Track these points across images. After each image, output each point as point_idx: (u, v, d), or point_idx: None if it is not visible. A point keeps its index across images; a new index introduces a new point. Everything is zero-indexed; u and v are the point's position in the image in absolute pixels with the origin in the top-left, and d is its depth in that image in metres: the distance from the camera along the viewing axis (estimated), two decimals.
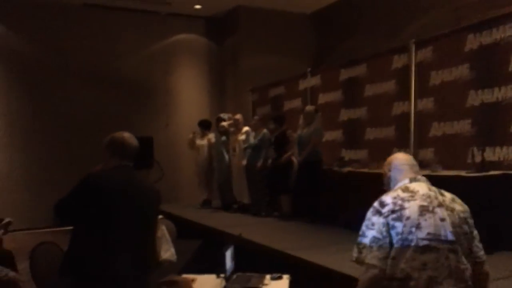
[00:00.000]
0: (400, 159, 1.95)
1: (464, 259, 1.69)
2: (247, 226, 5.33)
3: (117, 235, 2.09)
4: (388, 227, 1.70)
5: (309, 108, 5.86)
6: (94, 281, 2.05)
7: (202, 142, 7.17)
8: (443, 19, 6.18)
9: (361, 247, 1.73)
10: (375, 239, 1.70)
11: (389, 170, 1.94)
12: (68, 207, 2.13)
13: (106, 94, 8.27)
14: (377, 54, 5.86)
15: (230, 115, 7.01)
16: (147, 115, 8.55)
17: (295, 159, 5.78)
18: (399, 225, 1.69)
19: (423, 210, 1.71)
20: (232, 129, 6.67)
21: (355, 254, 1.75)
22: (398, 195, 1.76)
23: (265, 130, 6.26)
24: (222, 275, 2.73)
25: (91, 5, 8.24)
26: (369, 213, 1.77)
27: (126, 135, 2.26)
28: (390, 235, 1.69)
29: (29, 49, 7.88)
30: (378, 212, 1.74)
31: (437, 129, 4.87)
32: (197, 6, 8.73)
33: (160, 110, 8.89)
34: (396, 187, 1.85)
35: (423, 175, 1.94)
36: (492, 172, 3.95)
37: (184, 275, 2.76)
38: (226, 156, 6.81)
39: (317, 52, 8.87)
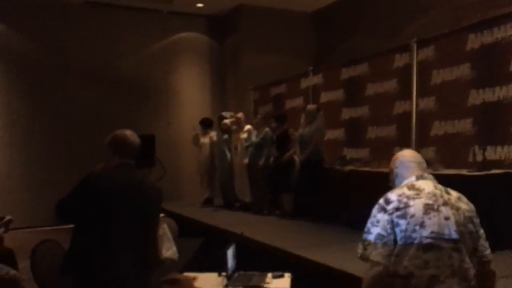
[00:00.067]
0: (408, 156, 1.94)
1: (467, 258, 1.68)
2: (249, 224, 5.33)
3: (117, 234, 2.09)
4: (393, 224, 1.70)
5: (311, 107, 5.86)
6: (95, 280, 2.05)
7: (204, 140, 7.17)
8: (443, 19, 6.17)
9: (366, 244, 1.73)
10: (379, 236, 1.70)
11: (396, 167, 1.92)
12: (68, 207, 2.13)
13: (107, 94, 8.27)
14: (379, 53, 5.85)
15: (232, 113, 7.01)
16: (148, 114, 8.55)
17: (296, 158, 5.78)
18: (403, 223, 1.69)
19: (428, 208, 1.70)
20: (234, 127, 6.67)
21: (360, 250, 1.75)
22: (403, 193, 1.76)
23: (267, 129, 6.26)
24: (223, 274, 2.74)
25: (92, 3, 8.24)
26: (375, 210, 1.77)
27: (128, 133, 2.26)
28: (394, 233, 1.69)
29: (29, 49, 7.89)
30: (383, 209, 1.74)
31: (438, 128, 4.86)
32: (199, 5, 8.73)
33: (162, 109, 8.89)
34: (402, 184, 1.84)
35: None
36: (493, 171, 3.95)
37: (186, 274, 2.76)
38: (228, 155, 6.81)
39: (317, 51, 8.86)
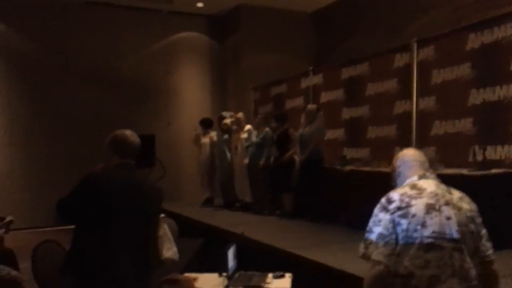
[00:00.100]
0: (411, 155, 1.93)
1: (468, 259, 1.68)
2: (249, 224, 5.33)
3: (118, 234, 2.08)
4: (394, 224, 1.69)
5: (311, 107, 5.86)
6: (95, 280, 2.05)
7: (204, 140, 7.17)
8: (443, 18, 6.17)
9: (367, 243, 1.73)
10: (381, 236, 1.70)
11: (398, 166, 1.92)
12: (68, 207, 2.13)
13: (107, 93, 8.27)
14: (379, 53, 5.85)
15: (232, 113, 7.01)
16: (148, 114, 8.56)
17: (297, 158, 5.78)
18: (404, 222, 1.68)
19: (429, 208, 1.70)
20: (234, 127, 6.67)
21: (361, 249, 1.75)
22: (405, 192, 1.76)
23: (267, 129, 6.26)
24: (224, 274, 2.74)
25: (92, 3, 8.24)
26: (377, 209, 1.77)
27: (129, 133, 2.26)
28: (396, 232, 1.69)
29: (29, 49, 7.89)
30: (385, 209, 1.74)
31: (438, 128, 4.86)
32: (199, 5, 8.73)
33: (162, 109, 8.89)
34: (405, 184, 1.83)
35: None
36: (493, 171, 3.95)
37: (186, 274, 2.77)
38: (228, 155, 6.81)
39: (318, 51, 8.86)
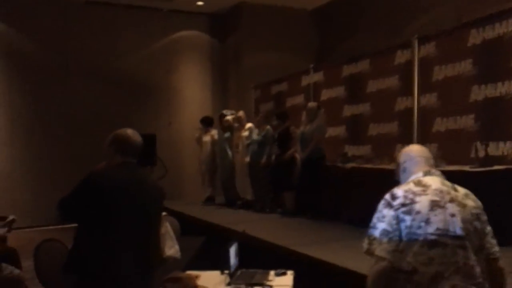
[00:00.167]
0: (416, 150, 1.92)
1: (473, 256, 1.67)
2: (251, 222, 5.33)
3: (119, 233, 2.08)
4: (398, 220, 1.69)
5: (312, 104, 5.85)
6: (97, 279, 2.05)
7: (205, 139, 7.17)
8: (444, 17, 6.16)
9: (371, 239, 1.72)
10: (385, 232, 1.69)
11: (404, 161, 1.90)
12: (70, 206, 2.13)
13: (108, 92, 8.28)
14: (380, 50, 5.84)
15: (233, 111, 7.01)
16: (149, 114, 8.56)
17: (298, 156, 5.78)
18: (408, 219, 1.68)
19: (434, 205, 1.69)
20: (236, 124, 6.66)
21: (365, 245, 1.74)
22: (410, 189, 1.75)
23: (268, 127, 6.26)
24: (226, 272, 2.74)
25: (92, 3, 8.23)
26: (381, 205, 1.76)
27: (130, 131, 2.26)
28: (400, 228, 1.68)
29: (30, 48, 7.90)
30: (389, 205, 1.73)
31: (440, 125, 4.85)
32: (200, 3, 8.72)
33: (163, 108, 8.89)
34: (409, 180, 1.82)
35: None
36: (495, 167, 3.94)
37: (188, 272, 2.77)
38: (229, 153, 6.81)
39: (318, 49, 8.85)
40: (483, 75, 4.43)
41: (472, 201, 1.77)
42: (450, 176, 1.88)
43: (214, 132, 7.14)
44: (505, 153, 4.19)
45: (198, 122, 7.40)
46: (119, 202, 2.10)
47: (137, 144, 2.24)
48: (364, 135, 5.94)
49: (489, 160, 4.03)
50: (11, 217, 3.78)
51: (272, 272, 2.81)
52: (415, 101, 5.10)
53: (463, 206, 1.72)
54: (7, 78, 7.79)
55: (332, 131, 6.31)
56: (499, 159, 4.14)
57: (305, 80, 7.18)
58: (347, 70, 6.31)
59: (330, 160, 5.70)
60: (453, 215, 1.69)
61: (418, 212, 1.68)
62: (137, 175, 2.24)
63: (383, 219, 1.72)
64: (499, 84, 4.28)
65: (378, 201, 1.82)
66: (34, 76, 7.86)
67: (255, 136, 6.34)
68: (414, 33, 5.39)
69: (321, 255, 3.68)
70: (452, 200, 1.72)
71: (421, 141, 4.92)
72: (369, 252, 1.72)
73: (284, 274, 2.81)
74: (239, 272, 2.82)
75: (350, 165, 5.40)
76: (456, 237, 1.66)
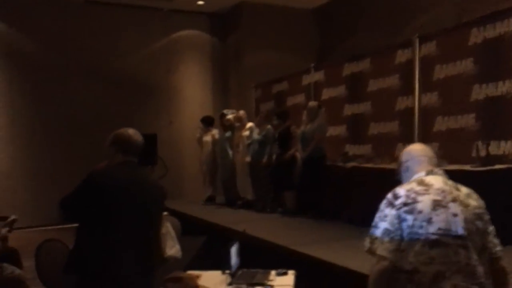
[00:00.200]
0: (419, 149, 1.91)
1: (475, 256, 1.66)
2: (251, 222, 5.33)
3: (120, 233, 2.08)
4: (400, 220, 1.69)
5: (312, 104, 5.84)
6: (98, 279, 2.05)
7: (206, 138, 7.17)
8: (444, 16, 6.15)
9: (373, 238, 1.72)
10: (386, 231, 1.69)
11: (406, 160, 1.89)
12: (71, 206, 2.13)
13: (109, 92, 8.28)
14: (381, 49, 5.83)
15: (233, 111, 7.00)
16: (150, 113, 8.56)
17: (299, 155, 5.77)
18: (409, 218, 1.67)
19: (436, 205, 1.69)
20: (237, 124, 6.66)
21: (367, 244, 1.74)
22: (412, 188, 1.74)
23: (269, 126, 6.25)
24: (227, 271, 2.74)
25: (93, 2, 8.23)
26: (382, 205, 1.76)
27: (131, 131, 2.26)
28: (401, 228, 1.68)
29: (30, 48, 7.90)
30: (391, 204, 1.73)
31: (441, 124, 4.85)
32: (200, 2, 8.71)
33: (163, 107, 8.89)
34: (412, 179, 1.82)
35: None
36: (497, 166, 3.93)
37: (189, 272, 2.77)
38: (230, 153, 6.81)
39: (319, 49, 8.84)
40: (484, 74, 4.42)
41: (474, 201, 1.76)
42: (451, 176, 1.87)
43: (215, 132, 7.13)
44: (506, 152, 4.18)
45: (198, 122, 7.40)
46: (120, 201, 2.10)
47: (138, 144, 2.24)
48: (365, 134, 5.93)
49: (490, 159, 4.02)
50: (12, 217, 3.78)
51: (273, 272, 2.80)
52: (416, 100, 5.09)
53: (465, 205, 1.72)
54: (7, 78, 7.80)
55: (332, 131, 6.30)
56: (500, 158, 4.13)
57: (306, 79, 7.17)
58: (348, 69, 6.30)
59: (330, 159, 5.69)
60: (455, 215, 1.68)
61: (420, 212, 1.68)
62: (138, 175, 2.25)
63: (385, 219, 1.71)
64: (500, 83, 4.27)
65: (379, 201, 1.82)
66: (35, 76, 7.86)
67: (255, 135, 6.34)
68: (414, 32, 5.39)
69: (322, 254, 3.67)
70: (454, 200, 1.71)
71: (422, 141, 4.92)
72: (371, 251, 1.72)
73: (285, 274, 2.81)
74: (240, 272, 2.82)
75: (350, 164, 5.40)
76: (458, 237, 1.66)
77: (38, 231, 6.59)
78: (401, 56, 5.41)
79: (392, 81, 5.53)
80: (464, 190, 1.79)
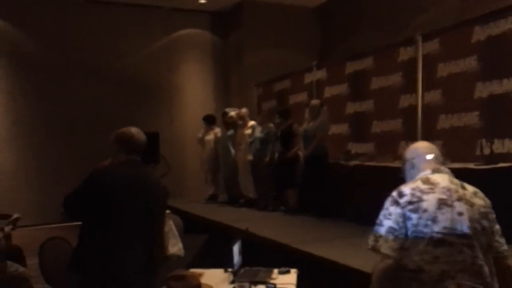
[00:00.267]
0: (425, 147, 1.90)
1: (481, 255, 1.65)
2: (254, 220, 5.33)
3: (122, 231, 2.09)
4: (405, 218, 1.68)
5: (314, 102, 5.84)
6: (101, 278, 2.06)
7: (208, 137, 7.17)
8: (447, 13, 6.12)
9: (377, 236, 1.71)
10: (391, 229, 1.68)
11: (413, 157, 1.87)
12: (74, 204, 2.13)
13: (111, 92, 8.28)
14: (384, 47, 5.81)
15: (236, 109, 7.00)
16: (151, 111, 8.56)
17: (301, 154, 5.77)
18: (414, 217, 1.67)
19: (441, 203, 1.68)
20: (240, 122, 6.65)
21: (371, 242, 1.73)
22: (417, 187, 1.73)
23: (271, 125, 6.25)
24: (230, 270, 2.74)
25: (93, 1, 8.23)
26: (387, 203, 1.75)
27: (134, 130, 2.26)
28: (406, 226, 1.67)
29: (32, 47, 7.91)
30: (396, 202, 1.72)
31: (444, 122, 4.83)
32: (202, 1, 8.71)
33: (165, 106, 8.90)
34: (417, 177, 1.80)
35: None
36: (501, 165, 3.91)
37: (192, 270, 2.77)
38: (232, 151, 6.81)
39: (321, 46, 8.83)
40: (488, 72, 4.40)
41: (480, 200, 1.75)
42: (454, 174, 1.87)
43: (218, 130, 7.13)
44: (511, 151, 4.16)
45: (200, 120, 7.40)
46: (122, 200, 2.10)
47: (140, 142, 2.24)
48: (368, 132, 5.91)
49: (494, 157, 4.00)
50: (15, 215, 3.80)
51: (275, 270, 2.80)
52: (419, 98, 5.07)
53: (471, 204, 1.71)
54: (10, 77, 7.82)
55: (335, 129, 6.29)
56: (504, 157, 4.11)
57: (308, 78, 7.16)
58: (350, 67, 6.28)
59: (333, 157, 5.68)
60: (460, 214, 1.67)
61: (425, 211, 1.67)
62: (141, 173, 2.25)
63: (389, 217, 1.71)
64: (504, 80, 4.24)
65: (381, 199, 1.81)
66: (37, 76, 7.88)
67: (258, 134, 6.33)
68: (416, 30, 5.36)
69: (324, 253, 3.67)
70: (460, 199, 1.70)
71: (425, 139, 4.87)
72: (375, 249, 1.71)
73: (287, 272, 2.80)
74: (242, 270, 2.82)
75: (353, 162, 5.39)
76: (463, 236, 1.65)
77: (42, 229, 6.62)
78: (404, 54, 5.39)
79: (395, 79, 5.50)
80: (470, 188, 1.78)
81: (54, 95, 7.95)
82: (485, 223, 1.71)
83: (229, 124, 6.82)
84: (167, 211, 2.78)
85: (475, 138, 4.38)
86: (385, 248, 1.67)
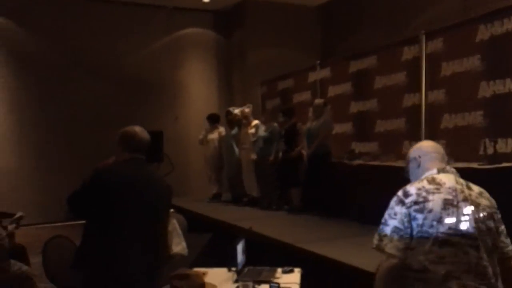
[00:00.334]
0: (431, 146, 1.88)
1: (486, 256, 1.65)
2: (257, 219, 5.33)
3: (126, 229, 2.09)
4: (410, 218, 1.67)
5: (318, 101, 5.83)
6: (104, 276, 2.06)
7: (212, 136, 7.17)
8: (451, 11, 6.09)
9: (382, 235, 1.71)
10: (396, 229, 1.68)
11: (419, 156, 1.86)
12: (77, 203, 2.14)
13: (114, 90, 8.29)
14: (387, 46, 5.79)
15: (240, 108, 6.99)
16: (155, 110, 8.57)
17: (304, 152, 5.76)
18: (420, 217, 1.66)
19: (447, 204, 1.67)
20: (244, 121, 6.65)
21: (376, 241, 1.73)
22: (423, 186, 1.72)
23: (275, 124, 6.25)
24: (233, 269, 2.74)
25: (95, 0, 8.23)
26: (393, 202, 1.74)
27: (138, 129, 2.27)
28: (411, 226, 1.66)
29: (36, 46, 7.92)
30: (401, 202, 1.71)
31: (448, 121, 4.81)
32: (205, 0, 8.70)
33: (169, 104, 8.90)
34: (423, 177, 1.79)
35: None
36: (504, 164, 3.89)
37: (195, 269, 2.77)
38: (236, 150, 6.81)
39: (324, 45, 8.81)
40: (492, 71, 4.38)
41: (486, 200, 1.74)
42: (458, 173, 1.86)
43: (222, 129, 7.14)
44: None
45: (204, 119, 7.40)
46: (126, 198, 2.11)
47: (144, 141, 2.25)
48: (371, 131, 5.90)
49: (497, 157, 3.99)
50: (19, 214, 3.81)
51: (279, 270, 2.80)
52: (423, 98, 5.05)
53: (476, 205, 1.70)
54: (15, 76, 7.83)
55: (338, 128, 6.28)
56: (508, 156, 4.09)
57: (312, 77, 7.15)
58: (354, 66, 6.27)
59: (336, 157, 5.67)
60: (466, 215, 1.67)
61: (430, 211, 1.66)
62: (144, 171, 2.25)
63: (394, 216, 1.70)
64: (508, 80, 4.23)
65: (385, 198, 1.80)
66: (42, 74, 7.89)
67: (262, 132, 6.33)
68: (418, 28, 5.34)
69: (328, 252, 3.67)
70: (465, 199, 1.70)
71: (429, 138, 4.86)
72: (379, 248, 1.70)
73: (291, 271, 2.80)
74: (246, 269, 2.82)
75: (357, 162, 5.38)
76: (468, 237, 1.64)
77: (45, 228, 6.65)
78: (408, 53, 5.38)
79: (399, 78, 5.49)
80: (475, 189, 1.77)
81: (58, 94, 7.96)
82: (490, 223, 1.70)
83: (233, 122, 6.82)
84: (171, 210, 2.78)
85: (479, 137, 4.37)
86: (389, 248, 1.67)
